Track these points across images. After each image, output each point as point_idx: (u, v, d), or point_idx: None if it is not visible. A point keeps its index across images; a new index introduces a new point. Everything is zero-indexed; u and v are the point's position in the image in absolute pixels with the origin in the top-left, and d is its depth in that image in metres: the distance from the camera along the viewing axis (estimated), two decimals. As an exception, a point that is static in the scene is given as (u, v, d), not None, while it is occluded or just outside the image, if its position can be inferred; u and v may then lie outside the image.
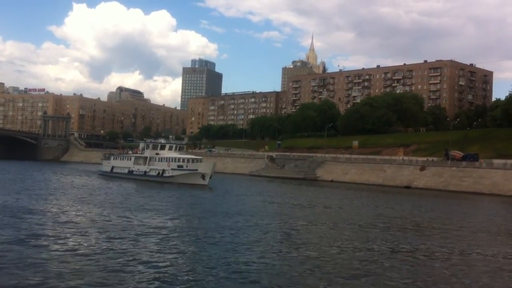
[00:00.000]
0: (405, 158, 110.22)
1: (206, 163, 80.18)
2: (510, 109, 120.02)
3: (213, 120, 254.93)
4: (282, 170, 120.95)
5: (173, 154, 79.83)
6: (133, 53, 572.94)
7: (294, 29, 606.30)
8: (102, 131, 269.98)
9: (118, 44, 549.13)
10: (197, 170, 74.90)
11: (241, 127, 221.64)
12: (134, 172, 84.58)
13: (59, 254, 22.55)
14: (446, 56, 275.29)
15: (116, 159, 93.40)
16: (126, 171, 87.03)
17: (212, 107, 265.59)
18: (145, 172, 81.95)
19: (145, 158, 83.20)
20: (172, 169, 76.68)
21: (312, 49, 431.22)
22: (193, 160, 77.80)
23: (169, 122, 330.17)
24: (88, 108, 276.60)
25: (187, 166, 76.00)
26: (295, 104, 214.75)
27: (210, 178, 74.15)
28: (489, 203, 68.61)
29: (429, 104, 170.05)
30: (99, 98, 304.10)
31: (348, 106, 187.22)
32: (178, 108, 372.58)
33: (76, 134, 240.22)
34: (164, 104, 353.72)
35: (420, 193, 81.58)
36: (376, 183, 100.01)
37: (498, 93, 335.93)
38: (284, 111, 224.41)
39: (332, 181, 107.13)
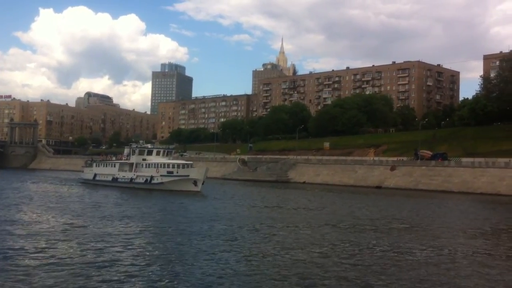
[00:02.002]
0: (376, 158, 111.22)
1: (198, 168, 77.09)
2: (477, 108, 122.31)
3: (184, 124, 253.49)
4: (255, 173, 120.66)
5: (162, 160, 75.88)
6: (102, 57, 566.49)
7: (264, 32, 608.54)
8: (70, 138, 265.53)
9: (86, 49, 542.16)
10: (188, 176, 71.35)
11: (212, 130, 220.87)
12: (119, 180, 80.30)
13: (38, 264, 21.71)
14: (415, 57, 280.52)
15: (98, 166, 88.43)
16: (110, 178, 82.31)
17: (183, 111, 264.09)
18: (131, 179, 77.74)
19: (131, 164, 78.86)
20: (161, 175, 72.81)
21: (282, 51, 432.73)
22: (183, 165, 74.15)
23: (139, 127, 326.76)
24: (55, 114, 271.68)
25: (177, 172, 72.26)
26: (266, 107, 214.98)
27: (202, 184, 70.79)
28: (459, 201, 69.44)
29: (398, 105, 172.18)
30: (67, 104, 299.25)
31: (319, 107, 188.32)
32: (148, 112, 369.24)
33: (44, 141, 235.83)
34: (134, 109, 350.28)
35: (391, 193, 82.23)
36: (348, 184, 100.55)
37: (465, 92, 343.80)
38: (255, 114, 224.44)
39: (304, 182, 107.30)
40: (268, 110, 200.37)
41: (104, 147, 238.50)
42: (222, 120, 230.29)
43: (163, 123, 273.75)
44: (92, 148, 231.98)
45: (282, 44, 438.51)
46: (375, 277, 21.05)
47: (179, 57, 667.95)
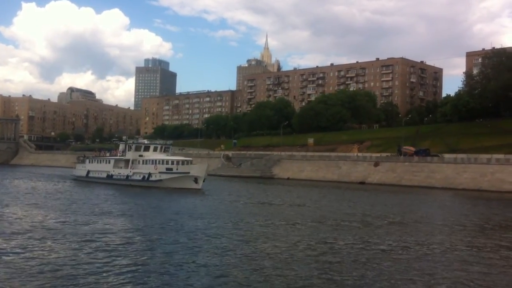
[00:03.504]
0: (360, 154, 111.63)
1: (199, 165, 74.01)
2: (460, 105, 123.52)
3: (168, 120, 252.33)
4: (239, 169, 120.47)
5: (159, 156, 72.82)
6: (85, 53, 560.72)
7: (249, 28, 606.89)
8: (52, 133, 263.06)
9: (69, 44, 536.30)
10: (189, 173, 68.23)
11: (196, 126, 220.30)
12: (114, 177, 77.05)
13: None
14: (398, 53, 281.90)
15: (92, 162, 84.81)
16: (104, 175, 79.28)
17: (167, 107, 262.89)
18: (128, 176, 74.47)
19: (127, 161, 75.68)
20: (160, 172, 69.71)
21: (266, 47, 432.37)
22: (183, 162, 71.11)
23: (123, 122, 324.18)
24: (38, 109, 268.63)
25: (177, 169, 69.07)
26: (251, 103, 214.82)
27: (203, 181, 67.87)
28: (442, 196, 69.99)
29: (382, 101, 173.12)
30: (49, 99, 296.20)
31: (303, 104, 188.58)
32: (132, 108, 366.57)
33: (25, 137, 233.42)
34: (117, 105, 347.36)
35: (374, 189, 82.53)
36: (332, 180, 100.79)
37: (448, 89, 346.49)
38: (240, 109, 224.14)
39: (288, 178, 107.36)
40: (253, 106, 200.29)
41: (87, 143, 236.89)
42: (206, 116, 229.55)
43: (147, 118, 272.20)
44: (75, 144, 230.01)
45: (266, 40, 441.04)
46: (359, 275, 20.94)
47: (164, 52, 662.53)
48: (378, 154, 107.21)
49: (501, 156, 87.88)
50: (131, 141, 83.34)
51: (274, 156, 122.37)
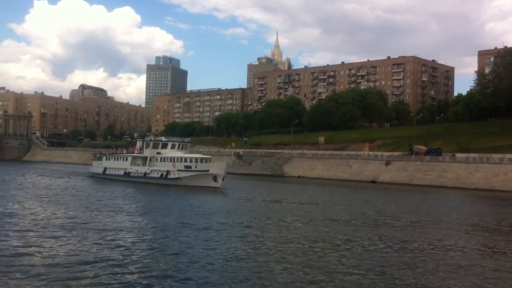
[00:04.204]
0: (371, 153, 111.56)
1: (218, 163, 72.32)
2: (472, 104, 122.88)
3: (179, 118, 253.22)
4: (250, 167, 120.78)
5: (177, 153, 72.09)
6: (96, 50, 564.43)
7: (260, 26, 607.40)
8: (64, 130, 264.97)
9: (81, 41, 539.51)
10: (208, 171, 67.13)
11: (207, 124, 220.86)
12: (132, 174, 76.43)
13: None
14: (410, 52, 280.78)
15: (109, 160, 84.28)
16: (121, 172, 78.37)
17: (178, 105, 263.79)
18: (145, 173, 73.83)
19: (145, 158, 74.83)
20: (178, 170, 68.89)
21: (277, 46, 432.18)
22: (201, 159, 69.79)
23: (134, 120, 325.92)
24: (50, 106, 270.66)
25: (196, 167, 68.00)
26: (261, 101, 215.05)
27: (222, 180, 66.77)
28: (454, 196, 69.90)
29: (393, 100, 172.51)
30: (61, 96, 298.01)
31: (314, 102, 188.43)
32: (143, 105, 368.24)
33: (38, 133, 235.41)
34: (128, 102, 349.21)
35: (385, 188, 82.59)
36: (343, 178, 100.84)
37: (460, 88, 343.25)
38: (250, 107, 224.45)
39: (299, 177, 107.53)
40: (263, 104, 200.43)
41: (99, 140, 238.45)
42: (217, 113, 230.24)
43: (158, 116, 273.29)
44: (87, 141, 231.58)
45: (277, 38, 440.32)
46: (374, 274, 21.20)
47: (174, 50, 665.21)
48: (389, 153, 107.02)
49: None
50: (148, 139, 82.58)
51: (285, 154, 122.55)
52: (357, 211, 44.62)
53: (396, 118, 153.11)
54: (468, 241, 30.46)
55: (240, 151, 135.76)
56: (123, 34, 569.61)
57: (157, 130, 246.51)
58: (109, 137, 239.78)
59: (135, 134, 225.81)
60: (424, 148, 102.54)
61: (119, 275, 19.21)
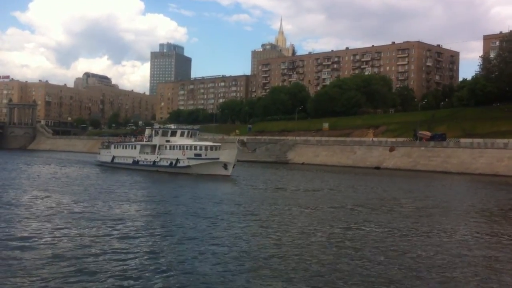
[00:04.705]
0: (375, 139, 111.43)
1: (229, 150, 69.93)
2: (476, 89, 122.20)
3: (183, 105, 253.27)
4: (254, 154, 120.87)
5: (187, 141, 71.30)
6: (100, 38, 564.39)
7: (264, 12, 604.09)
8: (69, 118, 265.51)
9: (85, 29, 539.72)
10: (218, 159, 66.14)
11: (211, 111, 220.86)
12: (141, 163, 75.97)
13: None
14: (415, 37, 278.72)
15: (117, 148, 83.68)
16: (130, 161, 78.02)
17: (182, 92, 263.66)
18: (154, 162, 73.28)
19: (154, 146, 74.24)
20: (188, 158, 68.08)
21: (281, 32, 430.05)
22: (211, 147, 68.74)
23: (138, 107, 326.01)
24: (54, 95, 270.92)
25: (206, 155, 67.00)
26: (265, 88, 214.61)
27: (233, 167, 66.00)
28: (459, 181, 69.85)
29: (397, 85, 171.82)
30: (65, 84, 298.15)
31: (318, 88, 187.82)
32: (147, 93, 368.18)
33: (42, 122, 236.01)
34: (132, 90, 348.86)
35: (390, 174, 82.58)
36: (347, 165, 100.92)
37: (465, 73, 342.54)
38: (254, 94, 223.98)
39: (303, 163, 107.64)
40: (267, 90, 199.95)
41: (103, 128, 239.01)
42: (221, 100, 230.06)
43: (162, 103, 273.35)
44: (91, 130, 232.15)
45: (281, 24, 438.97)
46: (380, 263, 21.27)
47: (178, 37, 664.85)
48: (394, 139, 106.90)
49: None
50: (157, 126, 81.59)
51: (289, 141, 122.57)
52: (361, 198, 44.68)
53: (401, 104, 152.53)
54: (472, 227, 30.47)
55: (244, 138, 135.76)
56: (127, 21, 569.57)
57: (161, 118, 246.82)
58: (113, 125, 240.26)
59: (140, 122, 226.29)
60: (428, 133, 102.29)
61: (123, 265, 19.24)
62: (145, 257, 20.44)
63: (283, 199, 42.63)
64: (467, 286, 17.84)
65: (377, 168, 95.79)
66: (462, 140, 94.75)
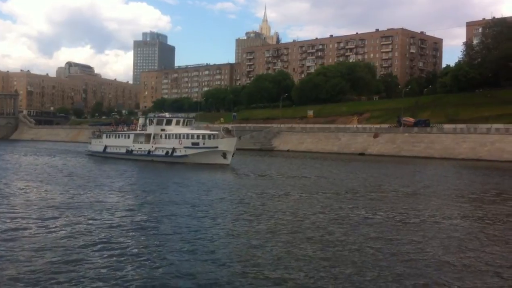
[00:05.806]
0: (359, 126, 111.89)
1: (228, 139, 66.34)
2: (459, 75, 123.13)
3: (167, 94, 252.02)
4: (239, 142, 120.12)
5: (182, 130, 69.38)
6: (83, 27, 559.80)
7: (248, 0, 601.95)
8: (52, 108, 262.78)
9: (67, 18, 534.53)
10: (217, 147, 64.06)
11: (195, 100, 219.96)
12: (135, 152, 73.65)
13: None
14: (399, 24, 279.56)
15: (109, 137, 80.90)
16: (123, 150, 75.62)
17: (166, 81, 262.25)
18: (149, 151, 71.18)
19: (148, 135, 72.11)
20: (185, 147, 66.08)
21: (265, 20, 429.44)
22: (210, 136, 66.15)
23: (122, 97, 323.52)
24: (36, 84, 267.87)
25: (204, 144, 65.00)
26: (250, 76, 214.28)
27: (232, 156, 64.27)
28: (442, 166, 70.34)
29: (381, 72, 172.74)
30: (47, 74, 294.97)
31: (302, 76, 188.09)
32: (131, 82, 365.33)
33: (25, 112, 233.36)
34: (116, 79, 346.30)
35: (374, 160, 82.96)
36: (332, 151, 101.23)
37: (448, 59, 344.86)
38: (239, 82, 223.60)
39: (288, 151, 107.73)
40: (252, 78, 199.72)
41: (86, 117, 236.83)
42: (205, 89, 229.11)
43: (146, 92, 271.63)
44: (75, 119, 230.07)
45: (265, 12, 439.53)
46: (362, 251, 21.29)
47: (162, 26, 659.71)
48: (378, 126, 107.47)
49: (500, 125, 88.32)
50: (152, 115, 79.51)
51: (274, 128, 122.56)
52: (346, 184, 44.78)
53: (385, 91, 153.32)
54: (457, 210, 30.65)
55: (229, 126, 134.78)
56: (109, 10, 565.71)
57: (145, 107, 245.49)
58: (96, 114, 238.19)
59: (123, 111, 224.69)
60: (412, 120, 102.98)
61: (112, 256, 18.90)
62: (135, 249, 19.70)
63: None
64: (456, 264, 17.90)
65: (362, 154, 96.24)
66: (446, 126, 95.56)
